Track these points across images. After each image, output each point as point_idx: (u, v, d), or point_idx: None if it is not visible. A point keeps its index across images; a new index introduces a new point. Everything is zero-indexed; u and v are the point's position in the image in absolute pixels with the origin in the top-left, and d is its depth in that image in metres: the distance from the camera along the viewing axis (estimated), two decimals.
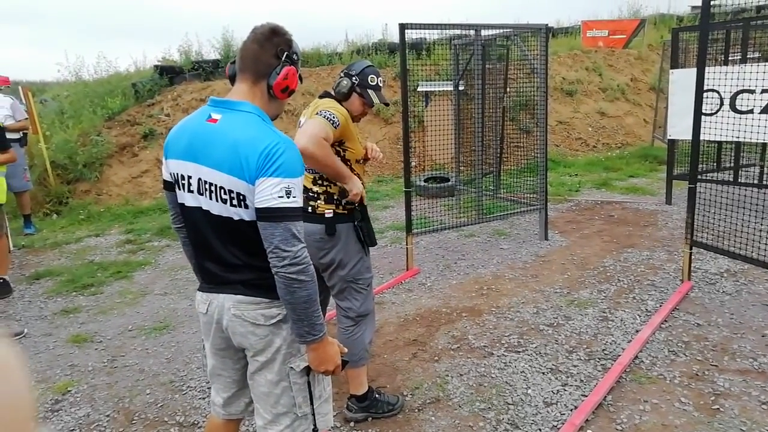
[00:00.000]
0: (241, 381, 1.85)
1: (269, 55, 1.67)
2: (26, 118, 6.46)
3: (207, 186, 1.63)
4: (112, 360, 3.48)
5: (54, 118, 8.57)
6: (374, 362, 3.27)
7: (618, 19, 14.38)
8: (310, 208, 2.59)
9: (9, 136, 6.05)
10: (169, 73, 9.42)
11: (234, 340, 1.73)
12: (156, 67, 9.58)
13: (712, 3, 3.95)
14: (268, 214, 1.53)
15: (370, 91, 2.64)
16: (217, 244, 1.68)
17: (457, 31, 6.53)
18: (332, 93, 2.66)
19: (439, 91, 8.11)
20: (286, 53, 1.67)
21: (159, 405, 3.00)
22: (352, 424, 2.75)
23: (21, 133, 6.38)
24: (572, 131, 10.50)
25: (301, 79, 1.79)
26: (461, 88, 6.34)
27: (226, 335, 1.74)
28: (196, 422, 2.82)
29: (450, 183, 7.15)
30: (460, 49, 6.25)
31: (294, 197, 1.55)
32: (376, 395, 2.82)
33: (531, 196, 5.69)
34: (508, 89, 6.64)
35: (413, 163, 8.81)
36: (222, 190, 1.60)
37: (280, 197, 1.53)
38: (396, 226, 5.99)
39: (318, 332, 1.61)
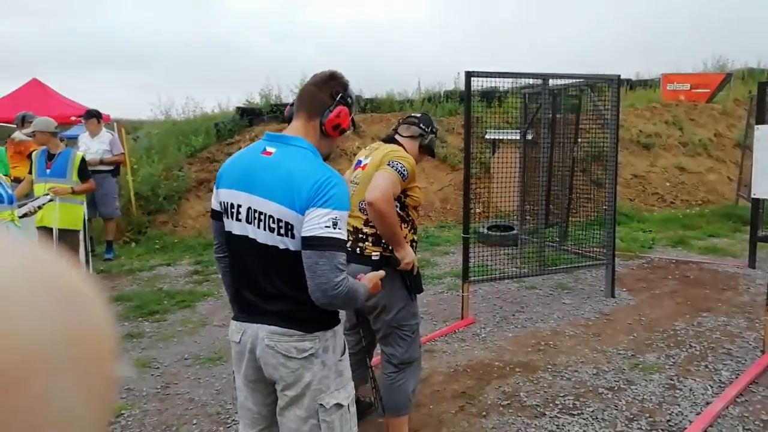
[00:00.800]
0: (269, 418, 1.84)
1: (325, 96, 1.78)
2: (122, 153, 7.01)
3: (256, 215, 1.70)
4: (166, 387, 3.59)
5: (142, 153, 9.23)
6: (419, 412, 3.17)
7: (702, 72, 13.86)
8: (358, 249, 2.60)
9: (102, 168, 6.58)
10: (249, 115, 9.97)
11: (265, 371, 1.74)
12: (238, 108, 10.16)
13: None
14: (314, 243, 1.59)
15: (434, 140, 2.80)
16: (258, 273, 1.72)
17: (528, 81, 6.52)
18: (396, 139, 2.73)
19: (507, 139, 8.06)
20: (340, 94, 1.78)
21: None
22: None
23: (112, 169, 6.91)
24: (648, 185, 10.07)
25: (354, 122, 1.86)
26: (529, 137, 6.28)
27: (257, 365, 1.75)
28: None
29: (514, 232, 7.00)
30: (530, 98, 6.22)
31: (340, 229, 1.62)
32: None
33: (598, 249, 5.45)
34: (579, 140, 6.50)
35: (478, 210, 8.73)
36: (271, 219, 1.67)
37: (326, 227, 1.59)
38: (455, 273, 5.89)
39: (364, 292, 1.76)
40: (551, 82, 5.42)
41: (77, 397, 0.24)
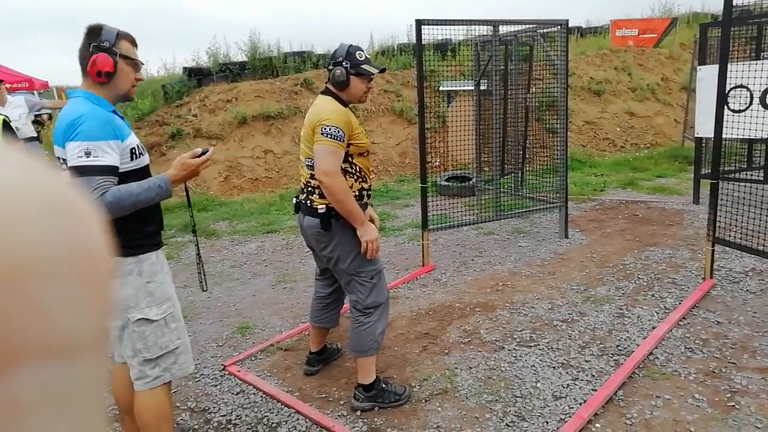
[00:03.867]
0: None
1: (86, 51, 2.00)
2: (51, 101, 6.67)
3: (59, 161, 1.99)
4: None
5: None
6: (384, 354, 3.28)
7: (649, 18, 14.09)
8: (309, 201, 2.64)
9: (28, 134, 6.29)
10: (198, 75, 9.64)
11: None
12: (185, 69, 9.81)
13: (738, 1, 3.85)
14: (74, 173, 1.85)
15: (363, 66, 2.62)
16: None
17: (481, 31, 6.50)
18: (329, 88, 2.67)
19: (462, 90, 8.08)
20: (92, 44, 1.98)
21: (172, 391, 3.04)
22: (358, 413, 2.77)
23: (36, 131, 6.58)
24: (599, 131, 10.33)
25: (135, 62, 2.06)
26: (483, 87, 6.31)
27: None
28: (206, 408, 2.89)
29: (471, 182, 7.12)
30: (481, 47, 6.22)
31: (95, 157, 1.87)
32: (383, 385, 2.83)
33: (553, 195, 5.62)
34: (533, 89, 6.58)
35: (436, 163, 8.80)
36: (61, 160, 1.96)
37: (79, 157, 1.85)
38: (415, 224, 5.98)
39: (166, 188, 2.02)
40: (502, 30, 5.43)
41: (76, 307, 0.25)
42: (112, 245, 0.28)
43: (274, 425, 2.71)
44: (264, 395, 2.98)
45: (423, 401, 2.83)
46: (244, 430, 2.69)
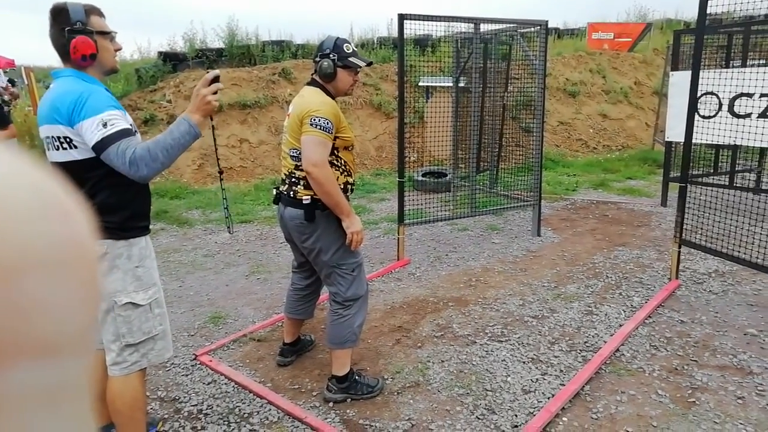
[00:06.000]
0: None
1: (59, 36, 1.93)
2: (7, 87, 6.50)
3: (49, 140, 1.96)
4: None
5: None
6: (358, 346, 3.28)
7: (624, 22, 14.35)
8: (292, 192, 2.62)
9: None
10: (173, 60, 9.46)
11: None
12: (160, 53, 9.61)
13: (710, 10, 3.95)
14: (100, 147, 1.87)
15: (351, 59, 2.64)
16: None
17: (461, 27, 6.53)
18: (316, 80, 2.67)
19: (440, 86, 8.12)
20: (67, 29, 1.92)
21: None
22: (331, 404, 2.78)
23: (7, 109, 6.41)
24: (573, 132, 10.50)
25: (110, 35, 2.03)
26: (462, 84, 6.35)
27: None
28: (177, 398, 2.86)
29: (447, 178, 7.17)
30: (462, 44, 6.25)
31: (112, 125, 1.88)
32: (356, 377, 2.85)
33: (526, 193, 5.70)
34: (510, 88, 6.65)
35: (413, 158, 8.83)
36: (55, 138, 1.93)
37: (99, 131, 1.86)
38: (390, 218, 6.01)
39: (189, 124, 1.97)
40: (482, 28, 5.47)
41: (67, 304, 0.25)
42: (97, 239, 0.28)
43: (245, 415, 2.71)
44: (236, 385, 2.96)
45: (395, 393, 2.86)
46: (215, 420, 2.68)
